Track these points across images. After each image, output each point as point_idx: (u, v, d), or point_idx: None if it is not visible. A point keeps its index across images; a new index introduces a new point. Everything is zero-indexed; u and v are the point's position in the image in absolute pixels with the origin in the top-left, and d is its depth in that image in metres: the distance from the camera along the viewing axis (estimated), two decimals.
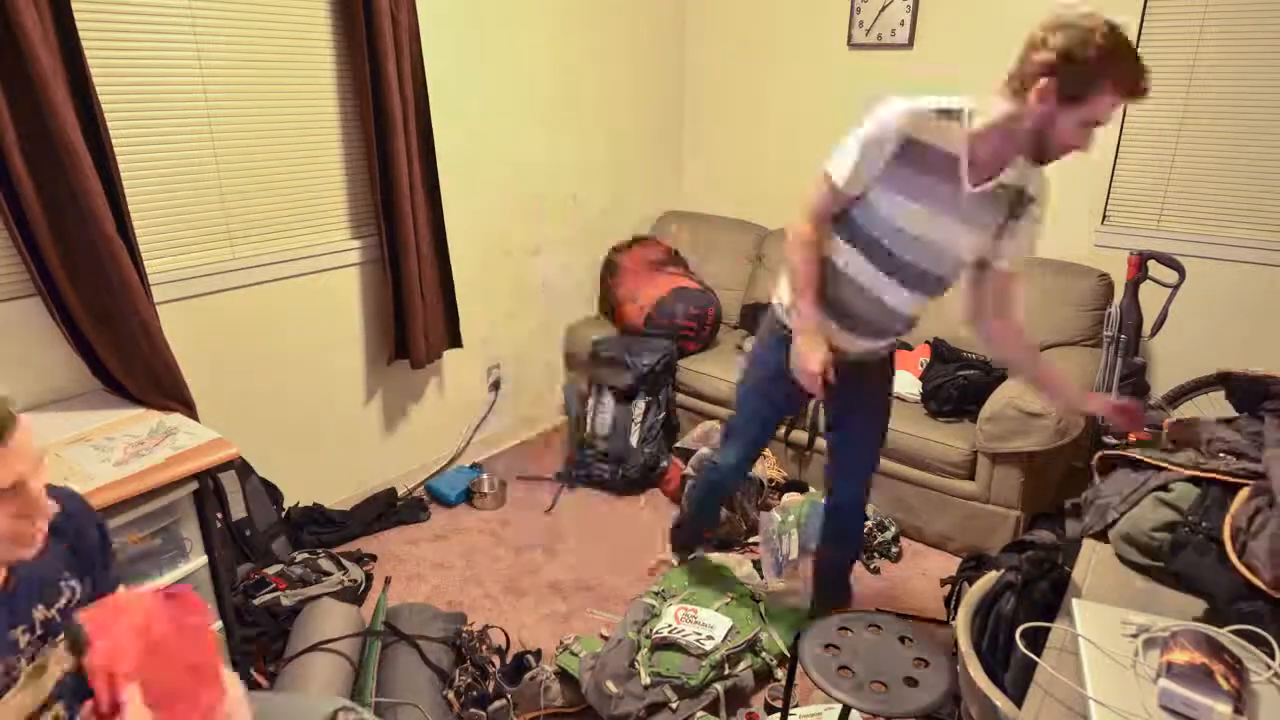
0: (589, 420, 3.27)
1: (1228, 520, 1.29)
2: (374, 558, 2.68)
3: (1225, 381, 1.76)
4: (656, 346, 3.26)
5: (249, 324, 2.50)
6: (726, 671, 2.09)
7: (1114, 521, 1.41)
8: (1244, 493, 1.32)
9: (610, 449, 3.17)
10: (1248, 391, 1.70)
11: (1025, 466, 2.54)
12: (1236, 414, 1.70)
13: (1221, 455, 1.47)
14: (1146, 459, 1.49)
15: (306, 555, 2.47)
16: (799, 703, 2.07)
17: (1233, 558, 1.24)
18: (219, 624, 2.03)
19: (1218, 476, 1.39)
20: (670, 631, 2.13)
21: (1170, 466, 1.45)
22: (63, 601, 1.14)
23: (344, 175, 2.68)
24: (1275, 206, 2.73)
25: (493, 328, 3.37)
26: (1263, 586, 1.18)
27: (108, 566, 1.23)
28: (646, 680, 2.00)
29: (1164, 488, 1.41)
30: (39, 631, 1.10)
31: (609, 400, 3.23)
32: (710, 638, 2.11)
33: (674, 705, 1.97)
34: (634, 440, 3.17)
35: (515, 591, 2.57)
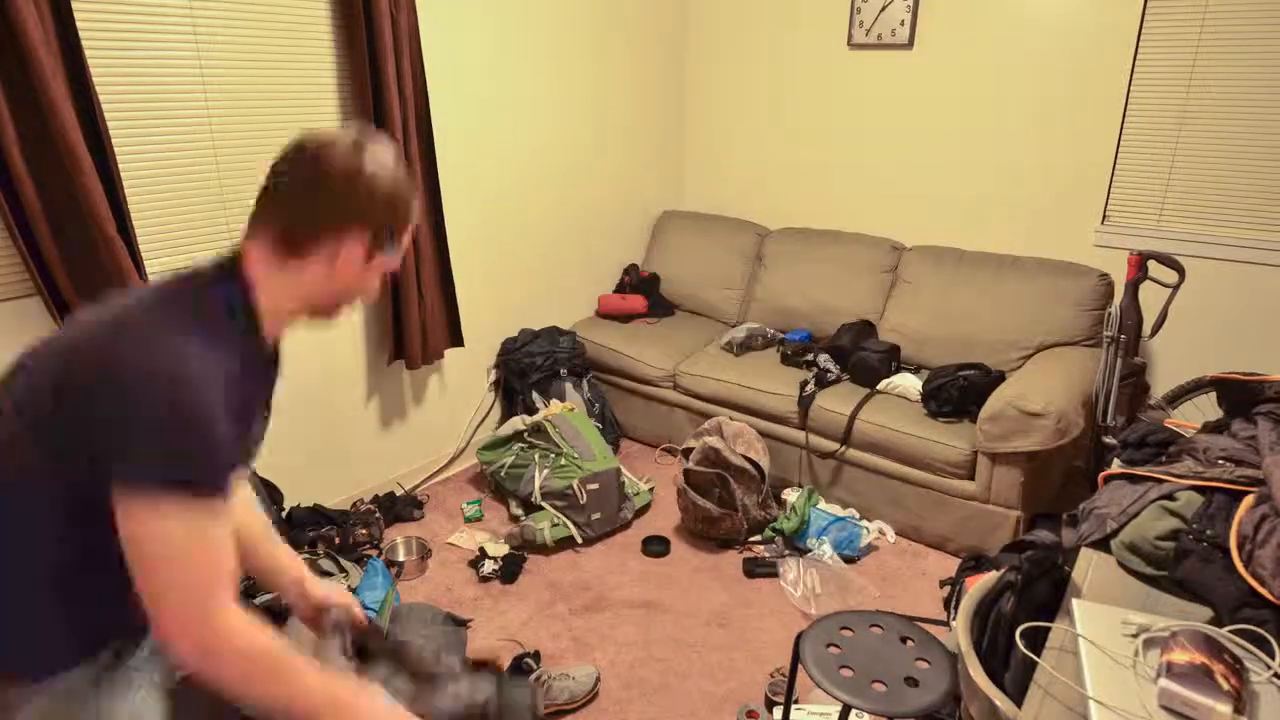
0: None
1: (1233, 528, 1.28)
2: (374, 558, 2.68)
3: (1217, 386, 1.75)
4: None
5: None
6: None
7: (1114, 531, 1.41)
8: (1248, 500, 1.32)
9: None
10: (1239, 396, 1.69)
11: (1025, 466, 2.54)
12: (1228, 418, 1.69)
13: (1220, 462, 1.46)
14: (1145, 472, 1.49)
15: (307, 556, 2.47)
16: (799, 700, 2.07)
17: (1239, 566, 1.24)
18: None
19: (1220, 485, 1.39)
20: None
21: (1169, 477, 1.44)
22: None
23: None
24: (1275, 206, 2.73)
25: (493, 327, 3.37)
26: (1269, 596, 1.18)
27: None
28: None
29: (1169, 496, 1.40)
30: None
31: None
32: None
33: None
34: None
35: (515, 593, 2.57)
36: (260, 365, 1.11)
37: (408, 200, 1.13)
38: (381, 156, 1.09)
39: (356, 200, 1.07)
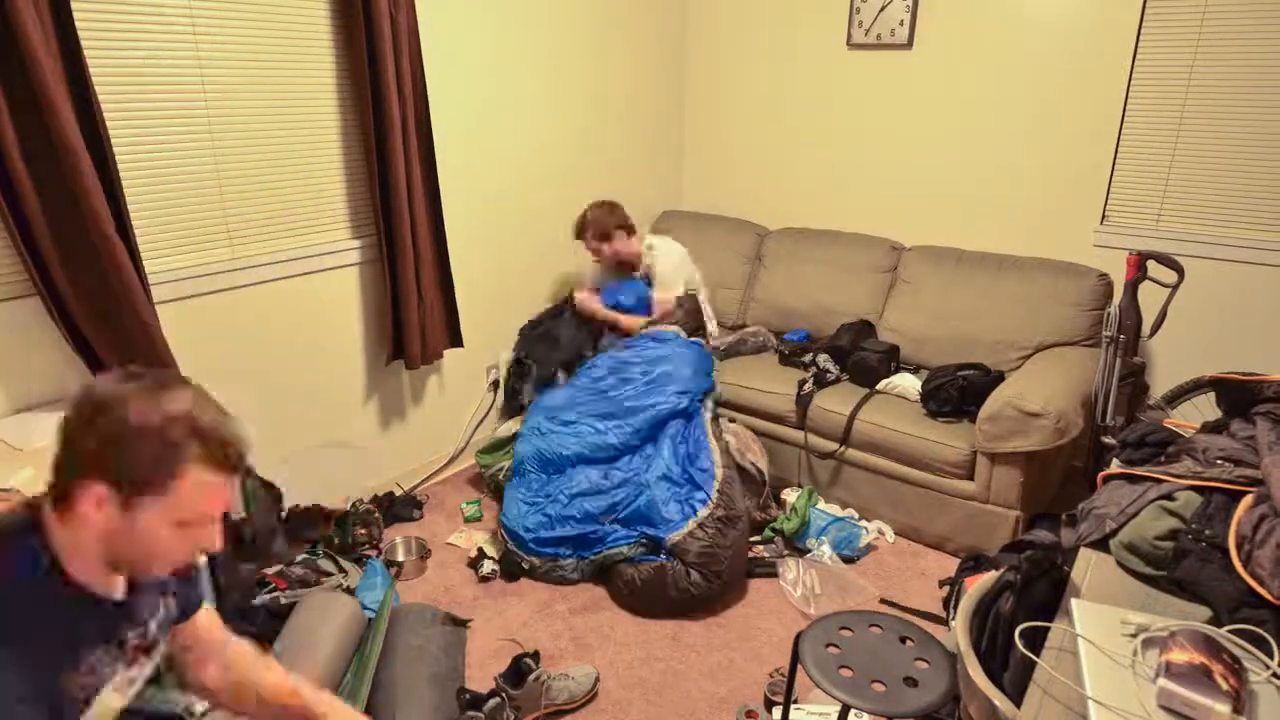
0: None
1: (1232, 528, 1.28)
2: (373, 558, 2.67)
3: (1216, 386, 1.75)
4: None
5: (249, 324, 2.50)
6: None
7: (1113, 531, 1.41)
8: (1247, 500, 1.32)
9: None
10: (1238, 396, 1.69)
11: (1025, 466, 2.54)
12: (1227, 418, 1.69)
13: (1219, 462, 1.46)
14: (1144, 472, 1.49)
15: (306, 555, 2.48)
16: (798, 700, 2.07)
17: (1238, 566, 1.24)
18: None
19: (1219, 485, 1.39)
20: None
21: (1168, 477, 1.44)
22: (160, 616, 1.19)
23: (343, 175, 2.68)
24: (1275, 206, 2.73)
25: (493, 327, 3.37)
26: (1268, 596, 1.18)
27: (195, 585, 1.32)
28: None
29: (1168, 496, 1.40)
30: (147, 640, 1.15)
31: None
32: None
33: None
34: None
35: (514, 593, 2.57)
36: (73, 607, 1.03)
37: (155, 449, 0.96)
38: (138, 404, 0.96)
39: (84, 450, 0.96)
